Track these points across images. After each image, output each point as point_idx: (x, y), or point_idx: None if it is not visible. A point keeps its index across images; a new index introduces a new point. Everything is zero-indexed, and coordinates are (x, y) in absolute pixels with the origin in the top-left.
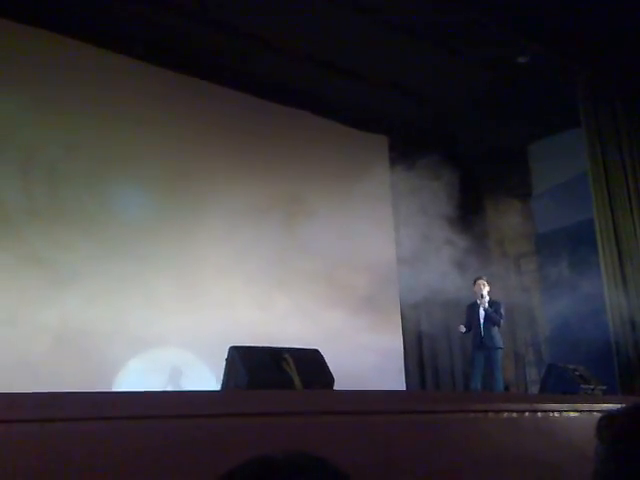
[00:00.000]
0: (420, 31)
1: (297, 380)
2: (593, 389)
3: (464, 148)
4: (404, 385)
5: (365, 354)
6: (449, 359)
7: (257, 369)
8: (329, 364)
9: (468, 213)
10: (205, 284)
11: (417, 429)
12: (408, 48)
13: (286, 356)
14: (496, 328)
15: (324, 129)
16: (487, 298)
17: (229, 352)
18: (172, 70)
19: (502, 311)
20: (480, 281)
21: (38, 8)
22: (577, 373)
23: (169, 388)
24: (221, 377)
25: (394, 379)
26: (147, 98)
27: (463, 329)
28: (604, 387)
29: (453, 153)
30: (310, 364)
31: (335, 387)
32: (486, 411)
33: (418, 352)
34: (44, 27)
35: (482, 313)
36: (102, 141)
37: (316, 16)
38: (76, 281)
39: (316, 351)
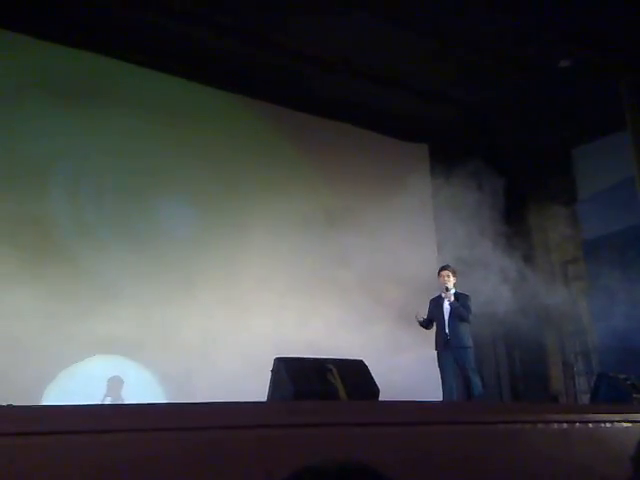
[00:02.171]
0: (459, 38)
1: (342, 391)
2: None
3: (506, 154)
4: None
5: (409, 365)
6: (495, 370)
7: (302, 380)
8: (373, 375)
9: (512, 220)
10: (250, 296)
11: (464, 440)
12: (447, 55)
13: (331, 367)
14: (464, 325)
15: (364, 140)
16: (453, 291)
17: (274, 363)
18: (214, 87)
19: (470, 305)
20: (445, 272)
21: (85, 32)
22: (629, 382)
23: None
24: (267, 388)
25: (439, 390)
26: (190, 115)
27: (420, 318)
28: None
29: (495, 159)
30: (355, 375)
31: (380, 398)
32: (535, 422)
33: None
34: (96, 51)
35: (447, 308)
36: (148, 158)
37: (354, 27)
38: (125, 294)
39: (361, 362)
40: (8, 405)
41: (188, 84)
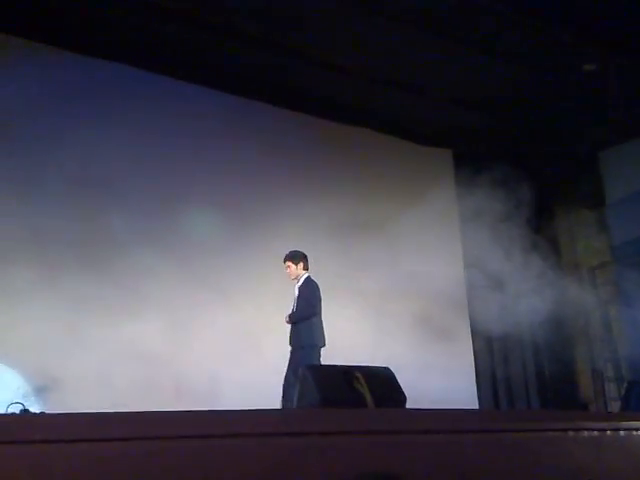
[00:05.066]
0: (481, 42)
1: (369, 398)
2: None
3: (532, 158)
4: (477, 405)
5: (435, 373)
6: (523, 378)
7: (329, 387)
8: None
9: (538, 226)
10: (278, 302)
11: (492, 449)
12: (469, 59)
13: (358, 374)
14: (304, 322)
15: (386, 146)
16: (302, 279)
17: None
18: (236, 95)
19: (310, 295)
20: (285, 263)
21: (121, 45)
22: None
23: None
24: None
25: (466, 398)
26: (217, 123)
27: None
28: None
29: (521, 164)
30: (382, 382)
31: (407, 406)
32: (565, 430)
33: (490, 371)
34: (120, 60)
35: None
36: (176, 165)
37: (374, 33)
38: (152, 301)
39: (387, 369)
40: (41, 413)
41: (216, 93)
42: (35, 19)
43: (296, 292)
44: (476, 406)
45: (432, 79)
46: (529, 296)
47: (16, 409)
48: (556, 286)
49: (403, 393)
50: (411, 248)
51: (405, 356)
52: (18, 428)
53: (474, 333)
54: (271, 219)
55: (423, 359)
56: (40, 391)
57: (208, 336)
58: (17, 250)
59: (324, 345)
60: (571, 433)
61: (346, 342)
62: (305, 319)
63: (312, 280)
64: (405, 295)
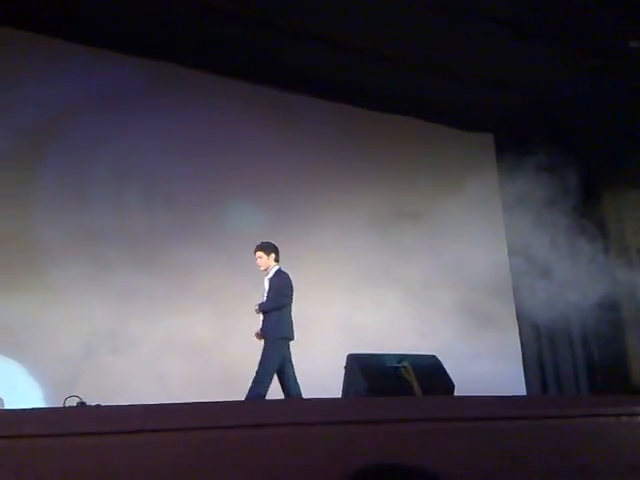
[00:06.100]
0: (521, 22)
1: (416, 386)
2: None
3: (576, 140)
4: (524, 391)
5: (481, 360)
6: (572, 364)
7: (376, 376)
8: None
9: (585, 209)
10: (320, 294)
11: (544, 435)
12: (509, 41)
13: (405, 363)
14: (271, 313)
15: (426, 132)
16: (273, 270)
17: (348, 360)
18: (275, 88)
19: (281, 286)
20: (256, 253)
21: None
22: None
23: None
24: (340, 385)
25: (514, 385)
26: (256, 117)
27: None
28: None
29: (564, 146)
30: (429, 370)
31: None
32: (618, 415)
33: (537, 357)
34: (159, 57)
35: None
36: (217, 161)
37: (412, 18)
38: (197, 294)
39: (434, 357)
40: (96, 405)
41: (256, 88)
42: (79, 23)
43: (266, 284)
44: (524, 392)
45: (471, 62)
46: (577, 280)
47: (73, 402)
48: (605, 269)
49: (451, 381)
50: (453, 236)
51: (450, 344)
52: (74, 420)
53: (520, 319)
54: (311, 209)
55: (469, 346)
56: (92, 384)
57: (254, 326)
58: (67, 246)
59: (293, 338)
60: (624, 418)
61: (389, 331)
62: (276, 308)
63: (283, 272)
64: (448, 283)
